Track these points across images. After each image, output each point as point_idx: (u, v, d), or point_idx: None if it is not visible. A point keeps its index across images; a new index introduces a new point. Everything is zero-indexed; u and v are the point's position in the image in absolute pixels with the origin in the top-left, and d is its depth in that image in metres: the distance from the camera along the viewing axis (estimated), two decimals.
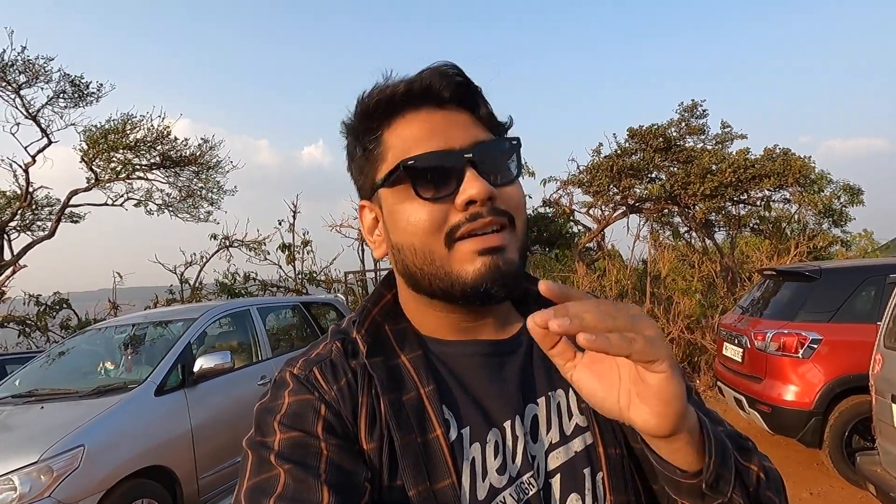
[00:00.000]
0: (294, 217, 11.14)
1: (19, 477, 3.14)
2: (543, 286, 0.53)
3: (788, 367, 4.51)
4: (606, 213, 11.95)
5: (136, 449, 3.69)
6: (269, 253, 11.46)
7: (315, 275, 11.25)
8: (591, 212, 12.18)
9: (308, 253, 11.28)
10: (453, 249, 0.66)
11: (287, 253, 11.09)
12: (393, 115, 0.70)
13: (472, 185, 0.65)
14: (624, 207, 11.67)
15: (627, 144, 11.65)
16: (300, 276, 11.14)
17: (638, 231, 11.13)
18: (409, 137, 0.69)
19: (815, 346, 4.45)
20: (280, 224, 11.17)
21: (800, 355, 4.47)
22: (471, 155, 0.67)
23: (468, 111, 0.71)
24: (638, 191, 11.45)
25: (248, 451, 0.65)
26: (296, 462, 0.61)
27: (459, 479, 0.65)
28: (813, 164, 10.59)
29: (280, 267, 11.24)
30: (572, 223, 12.24)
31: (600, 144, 11.88)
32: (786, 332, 4.59)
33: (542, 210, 12.00)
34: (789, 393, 4.46)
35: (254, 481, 0.61)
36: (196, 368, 4.30)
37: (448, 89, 0.69)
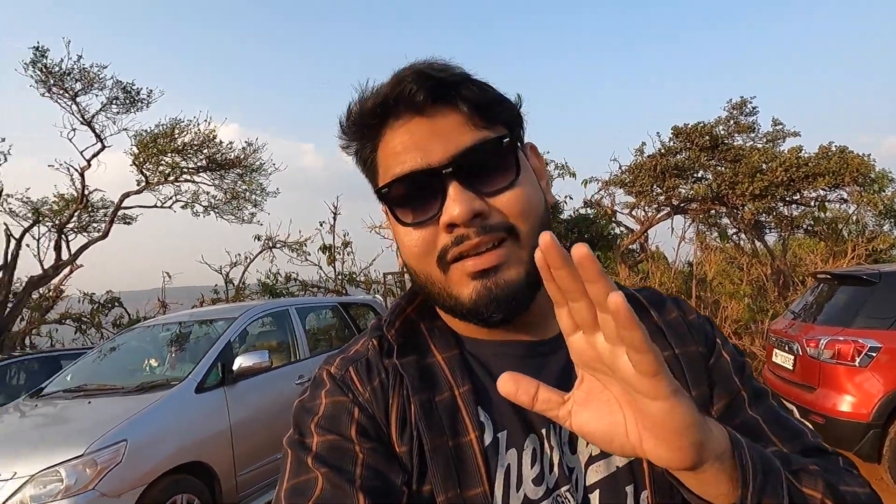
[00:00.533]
0: (334, 218, 11.30)
1: (66, 469, 3.25)
2: (547, 236, 0.43)
3: (844, 376, 4.27)
4: (650, 213, 11.66)
5: (176, 445, 3.77)
6: (309, 254, 11.66)
7: (355, 275, 11.38)
8: (633, 213, 11.90)
9: (348, 254, 11.42)
10: (448, 272, 0.63)
11: (327, 254, 11.24)
12: (377, 128, 0.66)
13: (451, 206, 0.60)
14: (668, 208, 11.36)
15: (672, 143, 11.34)
16: (340, 277, 11.28)
17: (683, 232, 10.82)
18: (390, 153, 0.64)
19: (874, 355, 4.20)
20: (321, 225, 11.35)
21: (856, 364, 4.22)
22: (450, 169, 0.61)
23: (455, 109, 0.63)
24: (683, 191, 11.13)
25: (287, 450, 0.64)
26: (332, 466, 0.60)
27: (492, 487, 0.61)
28: (873, 162, 10.06)
29: (320, 268, 11.41)
30: (614, 224, 11.98)
31: (643, 144, 11.61)
32: (841, 338, 4.35)
33: (582, 211, 11.80)
34: (845, 403, 4.21)
35: (293, 482, 0.61)
36: (235, 367, 4.37)
37: (421, 92, 0.62)
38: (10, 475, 3.26)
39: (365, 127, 0.66)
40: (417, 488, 0.61)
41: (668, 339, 0.71)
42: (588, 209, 11.82)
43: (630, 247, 11.89)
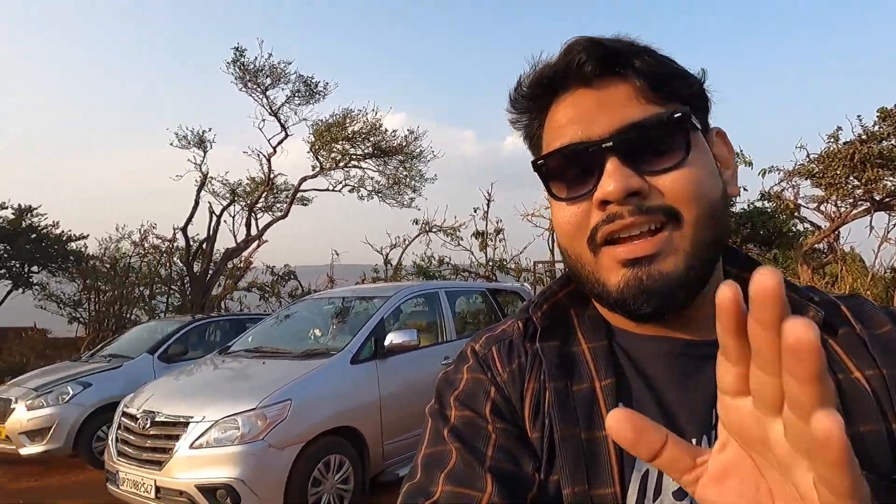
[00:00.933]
0: (488, 205, 11.49)
1: (242, 419, 3.72)
2: (728, 291, 0.32)
3: None
4: (842, 209, 10.17)
5: (332, 409, 4.13)
6: (462, 239, 11.99)
7: (505, 262, 11.49)
8: (821, 207, 10.47)
9: (500, 241, 11.56)
10: (599, 255, 0.59)
11: (480, 240, 11.48)
12: (544, 101, 0.65)
13: (606, 182, 0.56)
14: (867, 203, 9.81)
15: (877, 128, 9.73)
16: (491, 263, 11.44)
17: (886, 232, 9.29)
18: (554, 126, 0.63)
19: None
20: (475, 212, 11.61)
21: None
22: (611, 144, 0.57)
23: (626, 81, 0.59)
24: (888, 184, 9.52)
25: (429, 419, 0.66)
26: (465, 443, 0.61)
27: (624, 490, 0.57)
28: None
29: (472, 253, 11.69)
30: (797, 220, 10.65)
31: (838, 129, 10.09)
32: None
33: (759, 204, 10.64)
34: None
35: (431, 450, 0.63)
36: (386, 343, 4.65)
37: (590, 62, 0.59)
38: (200, 418, 3.81)
39: (532, 100, 0.66)
40: (546, 477, 0.59)
41: (872, 356, 0.59)
42: (765, 202, 10.62)
43: (816, 246, 10.49)
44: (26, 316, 14.95)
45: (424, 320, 5.93)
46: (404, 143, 12.66)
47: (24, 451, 5.62)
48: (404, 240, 12.78)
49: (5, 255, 14.98)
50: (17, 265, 15.18)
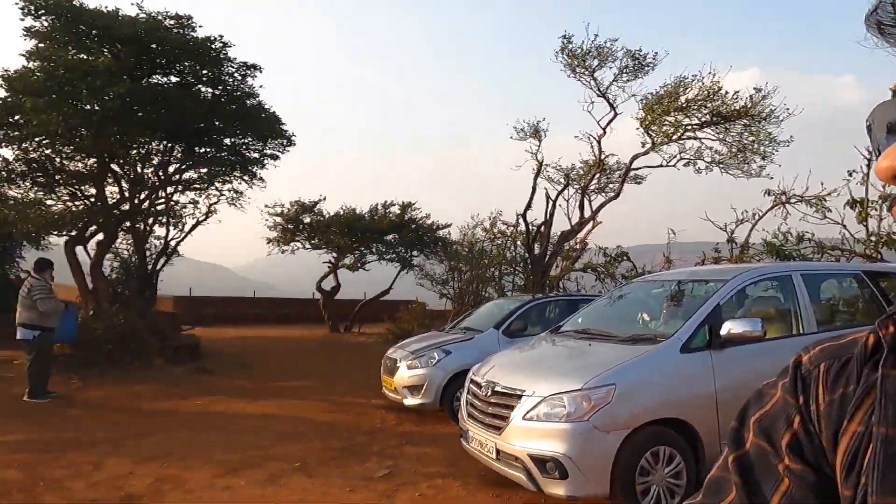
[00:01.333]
0: (868, 166, 9.20)
1: (567, 398, 3.86)
2: None
3: None
4: None
5: (658, 398, 3.94)
6: (830, 210, 9.91)
7: (895, 237, 9.05)
8: None
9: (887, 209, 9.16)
10: None
11: (857, 210, 9.30)
12: None
13: (882, 157, 0.47)
14: None
15: None
16: (874, 238, 9.18)
17: None
18: None
19: None
20: (850, 175, 9.44)
21: None
22: None
23: None
24: None
25: (728, 436, 0.60)
26: (749, 481, 0.53)
27: None
28: None
29: (845, 227, 9.55)
30: None
31: None
32: None
33: None
34: None
35: (716, 475, 0.58)
36: (723, 332, 4.20)
37: None
38: (531, 392, 4.11)
39: None
40: None
41: None
42: None
43: None
44: (411, 292, 18.60)
45: (774, 307, 5.14)
46: (749, 105, 11.11)
47: (406, 402, 7.02)
48: (754, 214, 11.25)
49: (394, 243, 18.90)
50: (403, 250, 18.98)
